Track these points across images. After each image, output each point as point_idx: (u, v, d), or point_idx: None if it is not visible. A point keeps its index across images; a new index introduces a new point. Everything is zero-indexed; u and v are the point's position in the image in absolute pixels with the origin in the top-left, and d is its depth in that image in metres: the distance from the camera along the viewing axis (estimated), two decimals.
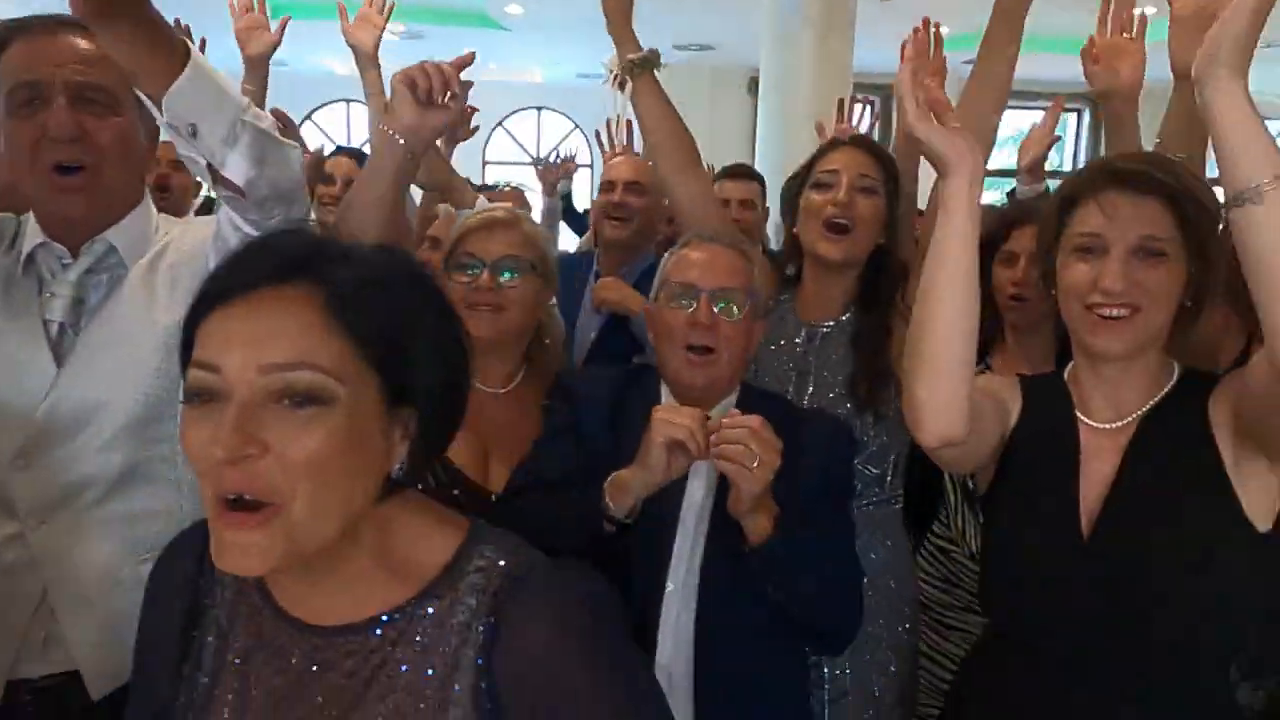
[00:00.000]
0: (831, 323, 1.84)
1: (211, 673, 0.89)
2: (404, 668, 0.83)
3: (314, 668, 0.85)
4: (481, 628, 0.83)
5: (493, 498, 1.51)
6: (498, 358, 1.62)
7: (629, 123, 3.17)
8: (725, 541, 1.30)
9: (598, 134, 3.73)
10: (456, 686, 0.82)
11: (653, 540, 1.35)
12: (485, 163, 11.99)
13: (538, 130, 12.28)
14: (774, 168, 6.37)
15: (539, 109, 12.14)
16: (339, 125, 11.83)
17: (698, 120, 8.74)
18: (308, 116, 11.60)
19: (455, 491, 1.47)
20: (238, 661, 0.88)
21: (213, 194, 1.48)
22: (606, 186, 2.77)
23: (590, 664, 0.83)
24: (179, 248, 1.41)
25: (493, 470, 1.55)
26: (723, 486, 1.29)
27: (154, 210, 1.46)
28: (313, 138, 11.60)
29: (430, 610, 0.84)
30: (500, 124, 12.14)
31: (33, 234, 1.36)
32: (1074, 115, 11.68)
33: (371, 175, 1.51)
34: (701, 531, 1.37)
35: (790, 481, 1.24)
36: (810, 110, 6.08)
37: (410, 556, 0.87)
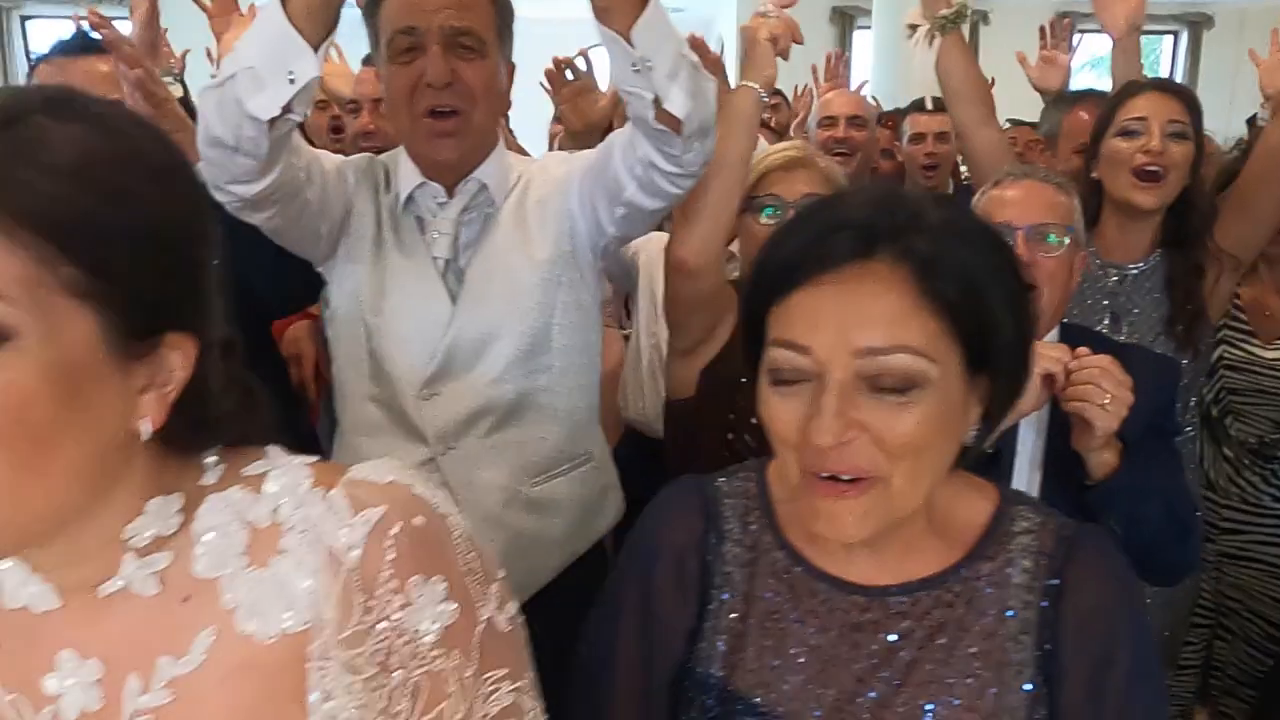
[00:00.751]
0: (1141, 264, 1.86)
1: (736, 633, 0.87)
2: (962, 627, 0.83)
3: (863, 628, 0.84)
4: (1043, 586, 0.84)
5: None
6: None
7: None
8: (1060, 481, 1.34)
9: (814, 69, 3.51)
10: (1018, 643, 0.83)
11: None
12: None
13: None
14: (886, 97, 6.08)
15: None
16: None
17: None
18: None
19: None
20: (768, 623, 0.87)
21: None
22: (827, 122, 2.81)
23: (1137, 614, 0.87)
24: (542, 183, 1.48)
25: None
26: (1052, 428, 1.34)
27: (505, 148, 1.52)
28: None
29: (983, 570, 0.85)
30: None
31: (409, 175, 1.44)
32: (1169, 38, 10.93)
33: (740, 130, 1.52)
34: (1036, 474, 1.39)
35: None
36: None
37: (951, 518, 0.87)
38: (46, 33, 9.72)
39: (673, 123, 1.23)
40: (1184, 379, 1.71)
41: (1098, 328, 1.78)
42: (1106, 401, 1.20)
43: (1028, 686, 0.82)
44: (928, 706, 0.82)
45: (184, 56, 3.01)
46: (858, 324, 0.75)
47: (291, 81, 1.16)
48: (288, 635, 0.63)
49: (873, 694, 0.82)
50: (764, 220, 1.57)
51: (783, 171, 1.59)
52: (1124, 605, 0.85)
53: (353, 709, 0.62)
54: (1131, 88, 1.87)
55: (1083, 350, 1.25)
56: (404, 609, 0.63)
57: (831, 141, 2.73)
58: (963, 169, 3.42)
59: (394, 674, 0.63)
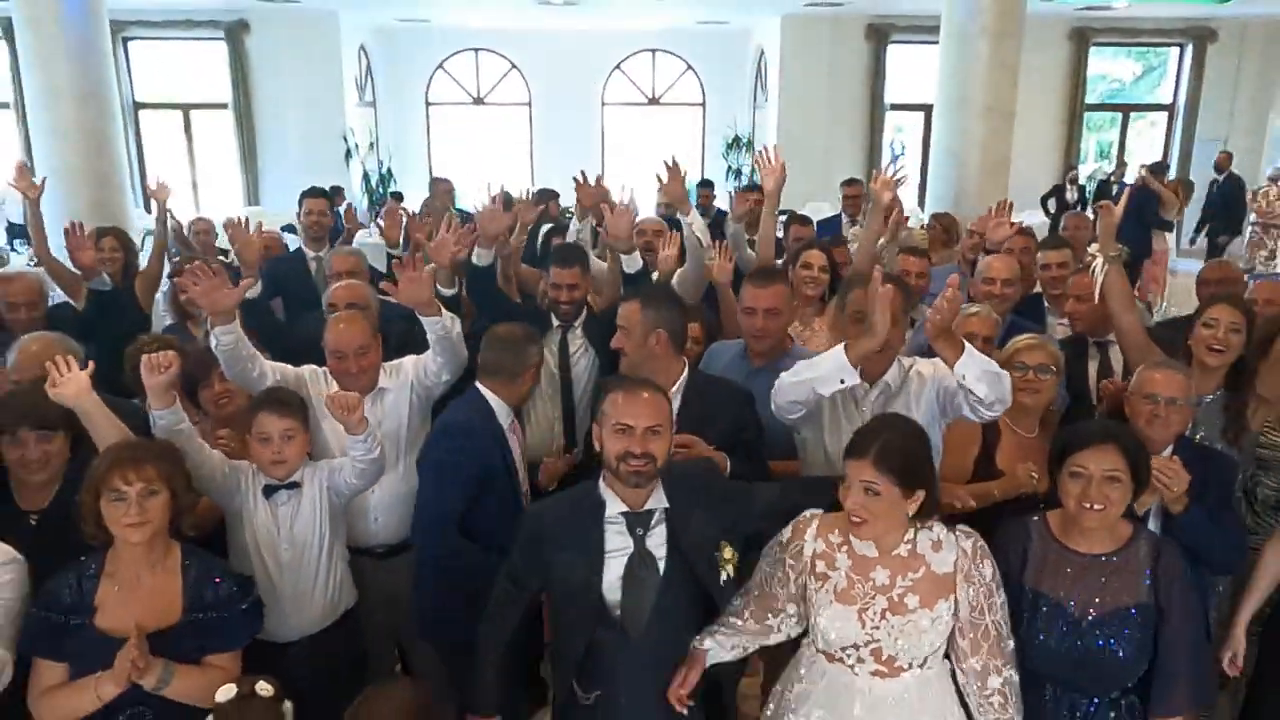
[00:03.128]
0: (1209, 397, 2.86)
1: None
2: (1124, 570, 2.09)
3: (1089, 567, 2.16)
4: (1152, 559, 2.09)
5: None
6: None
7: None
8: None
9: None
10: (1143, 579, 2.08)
11: None
12: (605, 104, 12.67)
13: (653, 71, 12.77)
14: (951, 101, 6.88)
15: (653, 51, 12.61)
16: (469, 73, 12.56)
17: (817, 67, 9.35)
18: (440, 65, 12.42)
19: None
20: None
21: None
22: (987, 284, 3.57)
23: (1186, 574, 2.07)
24: (919, 381, 2.58)
25: None
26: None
27: None
28: (446, 87, 12.54)
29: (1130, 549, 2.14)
30: (618, 67, 12.69)
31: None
32: (1175, 50, 11.71)
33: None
34: (1157, 521, 2.44)
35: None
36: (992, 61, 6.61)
37: (1116, 531, 2.12)
38: (146, 54, 10.52)
39: (979, 399, 2.27)
40: (1239, 469, 2.75)
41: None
42: (1173, 487, 2.29)
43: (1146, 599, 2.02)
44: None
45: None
46: None
47: (842, 382, 2.33)
48: None
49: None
50: (1016, 375, 2.59)
51: (1028, 349, 2.71)
52: (1183, 570, 2.04)
53: None
54: (1212, 299, 2.97)
55: (1163, 460, 2.29)
56: None
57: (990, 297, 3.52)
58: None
59: None
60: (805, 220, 5.43)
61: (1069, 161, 11.22)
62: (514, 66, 12.56)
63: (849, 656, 2.02)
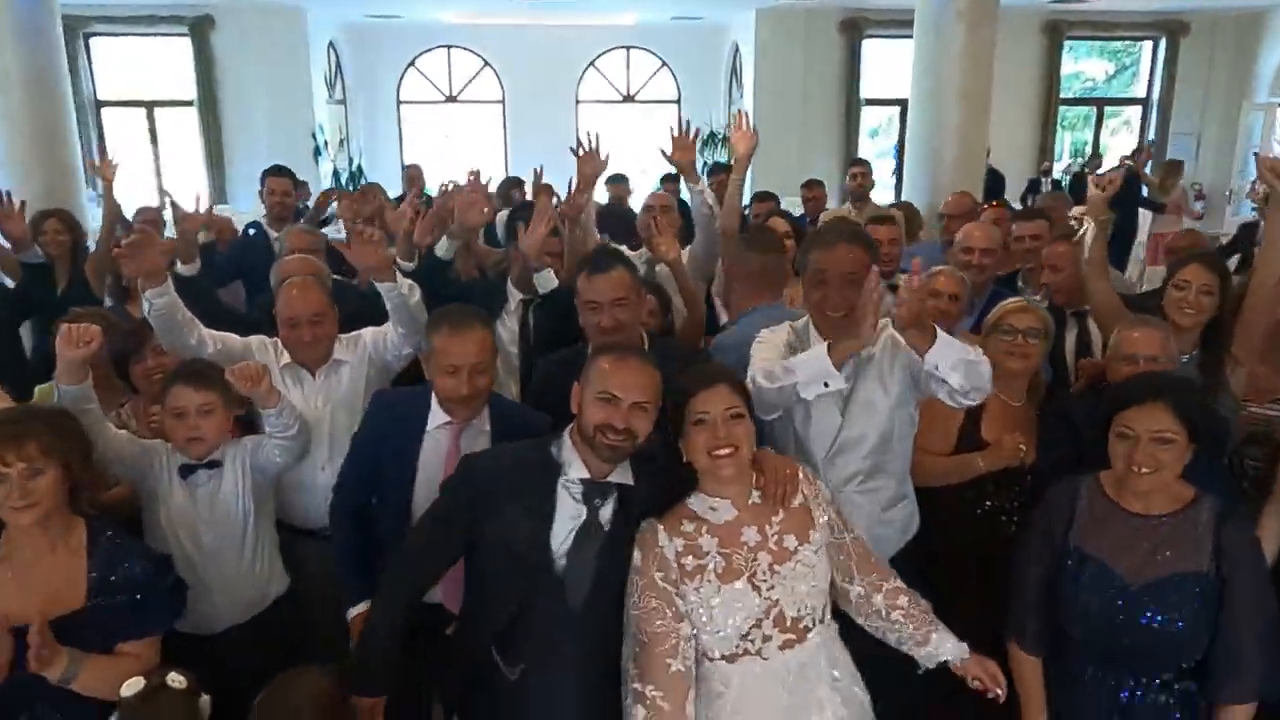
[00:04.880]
0: (1185, 357, 2.78)
1: None
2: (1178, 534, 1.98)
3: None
4: (1215, 523, 1.95)
5: None
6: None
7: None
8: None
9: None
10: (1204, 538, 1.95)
11: None
12: (579, 102, 12.52)
13: (626, 68, 12.66)
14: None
15: (627, 48, 12.49)
16: (440, 70, 12.40)
17: (792, 61, 9.21)
18: (411, 63, 12.23)
19: None
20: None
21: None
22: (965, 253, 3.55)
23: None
24: (893, 349, 2.36)
25: None
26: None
27: None
28: (417, 85, 12.37)
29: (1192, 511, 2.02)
30: (592, 64, 12.56)
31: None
32: (1148, 44, 11.70)
33: None
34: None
35: None
36: (966, 54, 6.49)
37: (1179, 493, 2.03)
38: (109, 50, 10.28)
39: (953, 387, 2.12)
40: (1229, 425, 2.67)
41: None
42: None
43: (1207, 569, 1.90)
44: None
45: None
46: None
47: (826, 386, 2.17)
48: None
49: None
50: (1004, 340, 2.55)
51: (1016, 313, 2.61)
52: (1252, 540, 1.97)
53: None
54: (1183, 260, 2.89)
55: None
56: None
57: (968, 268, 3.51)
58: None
59: None
60: (769, 196, 5.35)
61: (1044, 158, 11.18)
62: (487, 64, 12.40)
63: (754, 641, 1.87)
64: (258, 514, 2.42)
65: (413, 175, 6.89)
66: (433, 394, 2.35)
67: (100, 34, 10.15)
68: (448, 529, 2.01)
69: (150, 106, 10.62)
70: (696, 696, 1.87)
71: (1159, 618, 1.90)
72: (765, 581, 1.87)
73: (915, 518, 2.49)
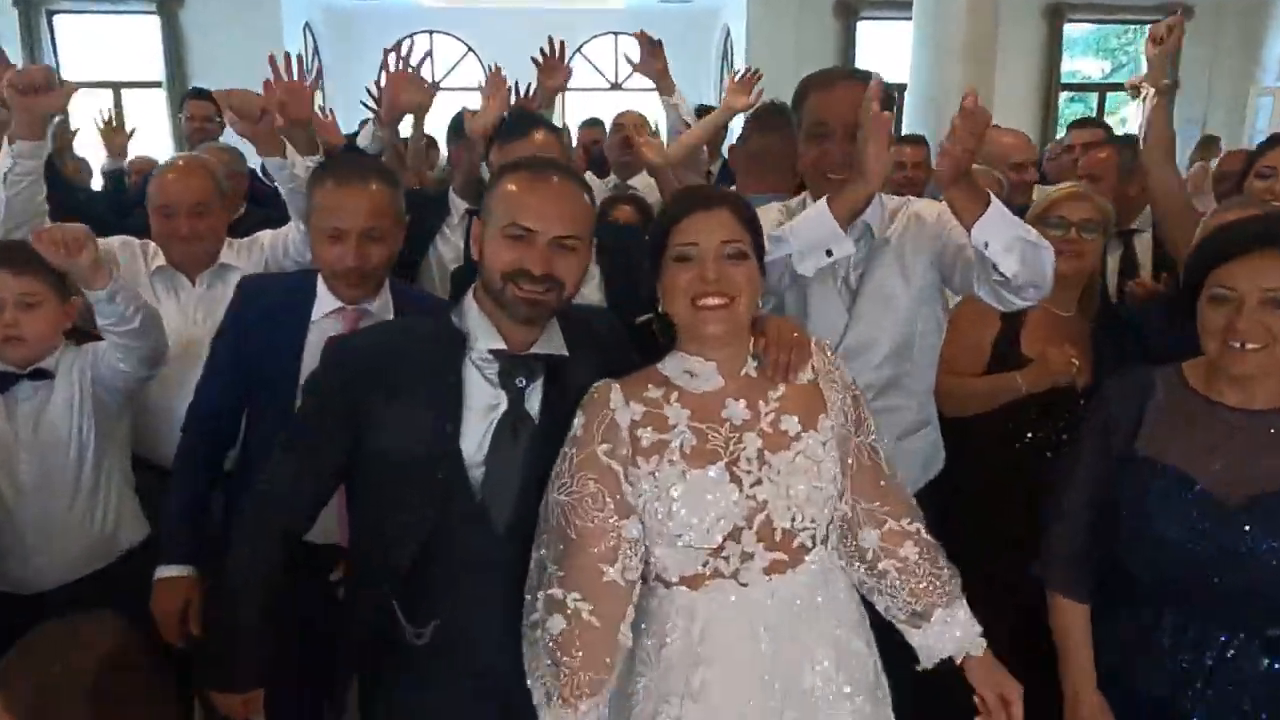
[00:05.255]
0: None
1: None
2: None
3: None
4: None
5: None
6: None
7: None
8: None
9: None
10: None
11: None
12: (565, 89, 12.11)
13: (615, 56, 12.32)
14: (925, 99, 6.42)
15: (616, 34, 12.15)
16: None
17: (785, 45, 8.84)
18: (393, 48, 11.79)
19: None
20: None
21: None
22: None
23: None
24: (918, 229, 1.93)
25: None
26: None
27: None
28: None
29: None
30: (579, 50, 12.20)
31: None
32: (1151, 27, 11.36)
33: None
34: None
35: None
36: (967, 39, 6.15)
37: None
38: (73, 28, 9.86)
39: (1004, 277, 1.66)
40: None
41: None
42: None
43: None
44: None
45: None
46: None
47: (829, 254, 1.75)
48: None
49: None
50: (1053, 234, 2.06)
51: (1069, 200, 2.17)
52: None
53: None
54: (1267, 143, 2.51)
55: None
56: None
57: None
58: None
59: None
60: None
61: (1045, 144, 10.84)
62: (470, 50, 12.02)
63: (728, 559, 1.40)
64: (101, 443, 1.96)
65: None
66: (318, 276, 1.91)
67: (64, 11, 9.76)
68: (319, 442, 1.52)
69: (117, 88, 10.21)
70: (639, 633, 1.41)
71: (1266, 546, 1.43)
72: (750, 472, 1.41)
73: (940, 451, 2.05)
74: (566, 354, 1.53)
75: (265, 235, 2.42)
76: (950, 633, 1.50)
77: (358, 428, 1.49)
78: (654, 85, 3.23)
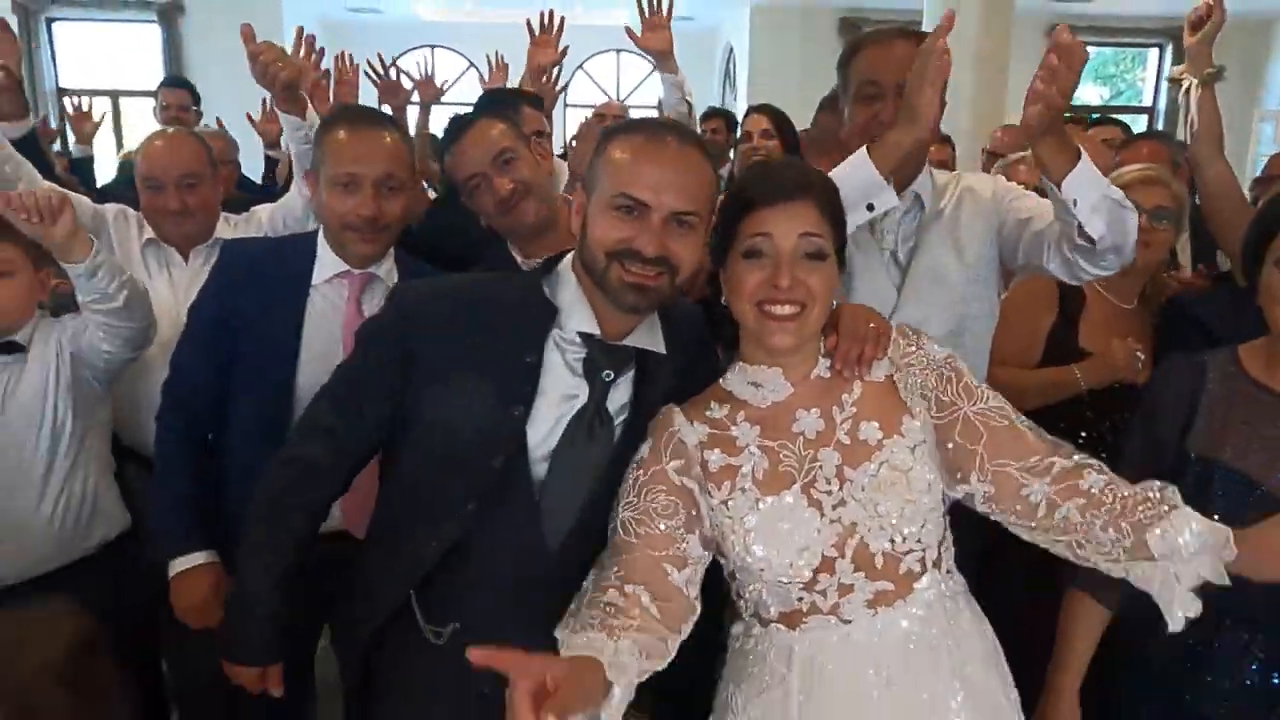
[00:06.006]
0: None
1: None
2: None
3: None
4: None
5: None
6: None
7: None
8: None
9: None
10: None
11: None
12: (567, 105, 12.07)
13: (617, 73, 12.30)
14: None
15: (619, 51, 12.14)
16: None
17: (789, 63, 8.77)
18: (392, 62, 11.74)
19: None
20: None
21: None
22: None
23: None
24: (973, 202, 1.80)
25: None
26: None
27: None
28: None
29: None
30: (580, 67, 12.18)
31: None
32: (1154, 51, 11.38)
33: None
34: None
35: None
36: (977, 53, 6.09)
37: None
38: (73, 36, 9.79)
39: (1089, 240, 1.52)
40: None
41: None
42: None
43: None
44: None
45: None
46: None
47: (870, 209, 1.58)
48: None
49: None
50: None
51: (1142, 185, 2.03)
52: None
53: None
54: None
55: None
56: None
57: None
58: None
59: None
60: (719, 113, 4.90)
61: None
62: (471, 64, 11.97)
63: (824, 593, 1.23)
64: (78, 425, 1.81)
65: None
66: (319, 238, 1.75)
67: (63, 19, 9.69)
68: (365, 400, 1.33)
69: (115, 96, 10.13)
70: (727, 680, 1.26)
71: None
72: (830, 493, 1.25)
73: None
74: (664, 351, 1.35)
75: (263, 209, 2.30)
76: (1183, 536, 1.15)
77: (408, 388, 1.31)
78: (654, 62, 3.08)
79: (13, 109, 2.73)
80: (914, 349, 1.35)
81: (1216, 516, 1.25)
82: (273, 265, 1.78)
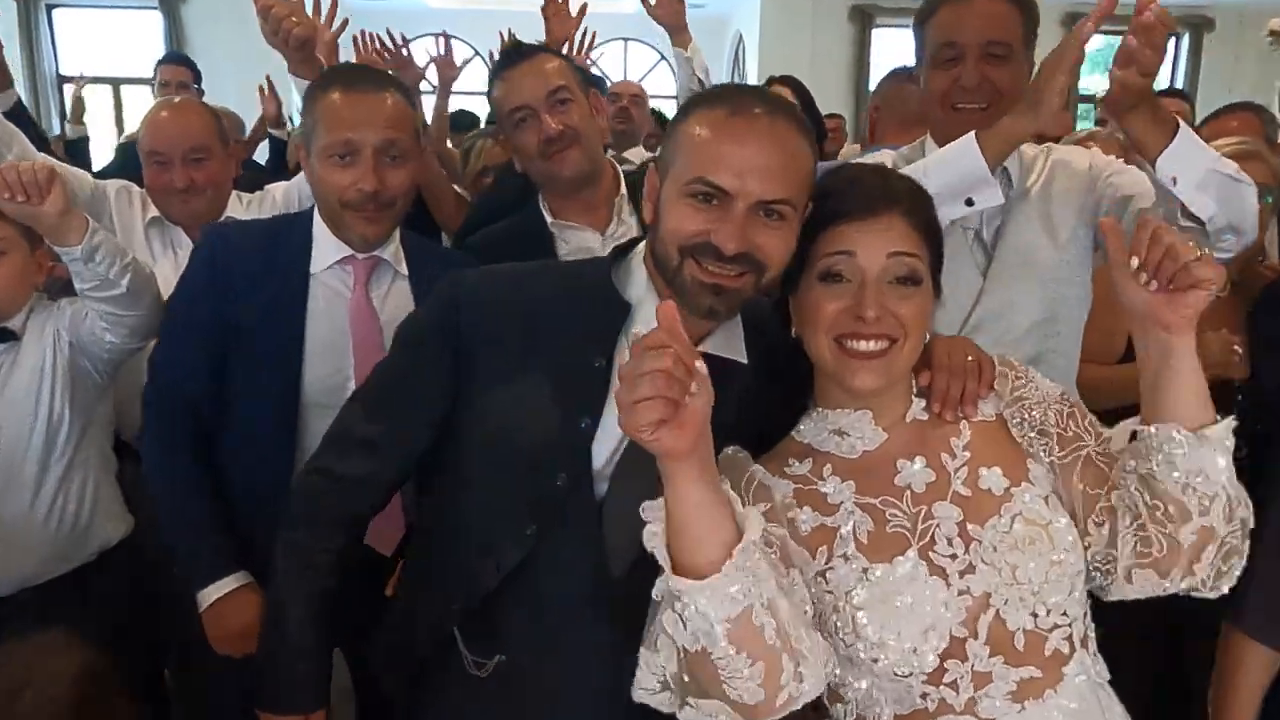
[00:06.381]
0: None
1: None
2: None
3: None
4: None
5: None
6: None
7: None
8: None
9: None
10: None
11: None
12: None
13: (624, 62, 12.18)
14: None
15: (626, 40, 12.01)
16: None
17: (799, 50, 8.60)
18: (405, 42, 11.62)
19: None
20: None
21: None
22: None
23: None
24: (1066, 177, 1.67)
25: None
26: None
27: None
28: None
29: None
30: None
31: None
32: (1171, 39, 11.24)
33: None
34: None
35: None
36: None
37: None
38: (74, 23, 9.67)
39: (1198, 221, 1.39)
40: None
41: None
42: None
43: None
44: None
45: None
46: None
47: (969, 204, 1.49)
48: None
49: None
50: None
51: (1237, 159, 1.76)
52: None
53: None
54: None
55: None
56: None
57: None
58: None
59: None
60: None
61: None
62: (477, 53, 11.82)
63: (954, 686, 1.00)
64: (76, 421, 1.66)
65: None
66: (313, 218, 1.57)
67: (64, 5, 9.57)
68: (409, 409, 1.19)
69: (117, 84, 10.02)
70: None
71: None
72: (955, 556, 1.03)
73: None
74: (744, 360, 1.18)
75: (278, 187, 2.17)
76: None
77: (460, 394, 1.17)
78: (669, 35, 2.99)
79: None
80: (1024, 382, 1.18)
81: None
82: (264, 253, 1.59)
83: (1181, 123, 1.37)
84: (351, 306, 1.60)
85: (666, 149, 1.15)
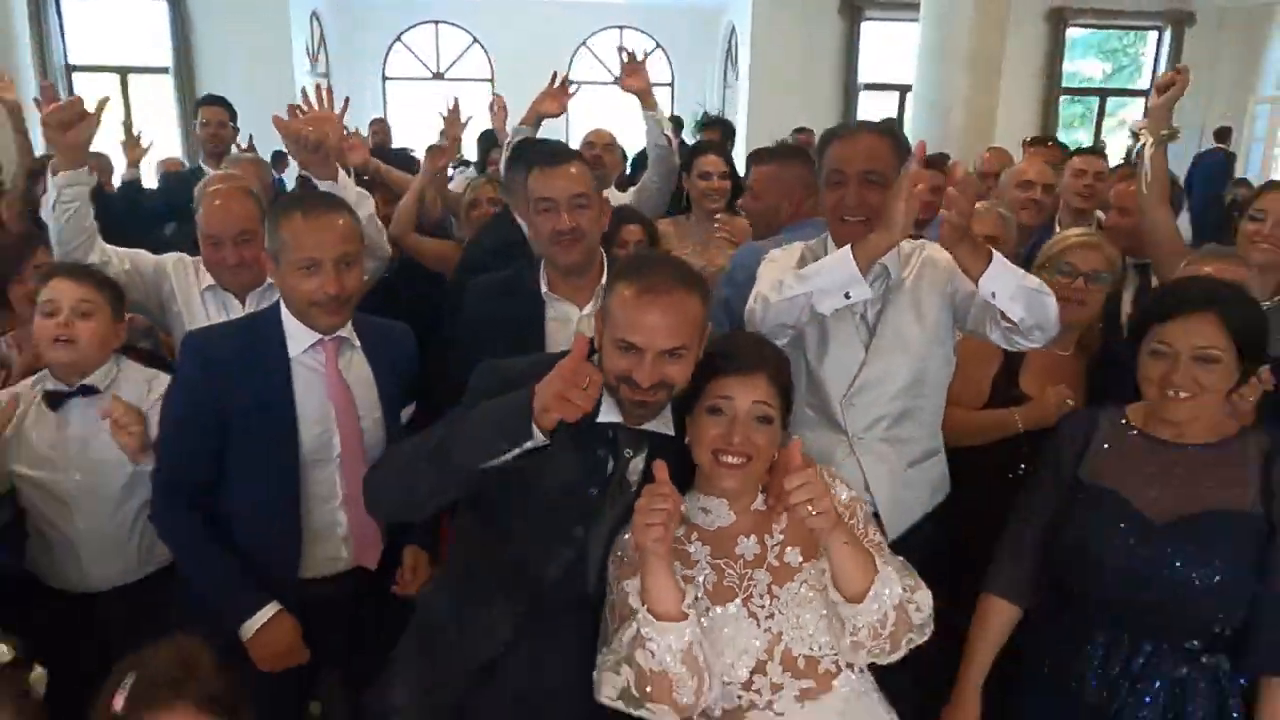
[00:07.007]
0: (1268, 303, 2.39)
1: None
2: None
3: None
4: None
5: None
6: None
7: None
8: None
9: None
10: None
11: None
12: (570, 81, 12.14)
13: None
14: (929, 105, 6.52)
15: (621, 28, 12.17)
16: (428, 46, 12.03)
17: (790, 42, 8.84)
18: (398, 38, 11.87)
19: None
20: None
21: None
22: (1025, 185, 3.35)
23: None
24: (932, 271, 2.00)
25: None
26: None
27: None
28: (404, 61, 11.98)
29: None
30: (584, 44, 12.23)
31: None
32: (1153, 34, 11.42)
33: None
34: None
35: None
36: (973, 46, 6.25)
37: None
38: (82, 12, 9.86)
39: (1012, 322, 1.77)
40: None
41: None
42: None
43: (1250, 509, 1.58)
44: None
45: None
46: None
47: (847, 296, 1.81)
48: None
49: None
50: (1060, 280, 2.17)
51: (1081, 249, 2.21)
52: None
53: None
54: (1262, 187, 2.60)
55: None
56: None
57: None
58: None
59: None
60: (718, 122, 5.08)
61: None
62: (475, 40, 12.05)
63: (760, 693, 1.48)
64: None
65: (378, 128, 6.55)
66: (281, 313, 1.89)
67: None
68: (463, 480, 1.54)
69: (124, 73, 10.22)
70: None
71: (1190, 565, 1.56)
72: (763, 606, 1.50)
73: (947, 478, 2.14)
74: (673, 433, 1.61)
75: (144, 257, 2.40)
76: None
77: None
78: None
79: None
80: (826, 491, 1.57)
81: (1102, 530, 1.66)
82: (244, 348, 1.87)
83: (994, 251, 1.73)
84: (328, 380, 1.91)
85: (605, 304, 1.55)
